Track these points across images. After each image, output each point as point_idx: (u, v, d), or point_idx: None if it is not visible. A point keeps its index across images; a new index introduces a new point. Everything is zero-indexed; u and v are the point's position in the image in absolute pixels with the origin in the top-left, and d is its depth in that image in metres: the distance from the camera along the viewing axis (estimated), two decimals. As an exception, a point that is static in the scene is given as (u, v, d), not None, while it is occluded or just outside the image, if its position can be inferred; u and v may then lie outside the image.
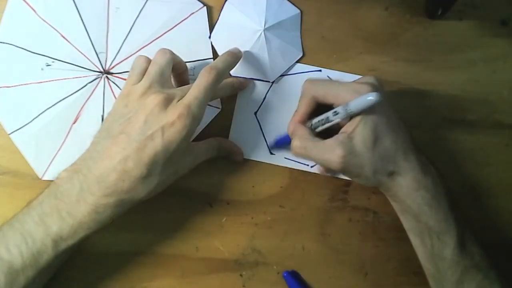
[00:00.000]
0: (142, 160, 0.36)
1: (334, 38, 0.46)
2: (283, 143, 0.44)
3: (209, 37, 0.45)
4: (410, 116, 0.46)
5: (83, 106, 0.45)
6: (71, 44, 0.45)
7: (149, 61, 0.40)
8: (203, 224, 0.45)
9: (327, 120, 0.39)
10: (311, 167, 0.45)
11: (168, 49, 0.40)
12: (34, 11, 0.45)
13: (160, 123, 0.36)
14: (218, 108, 0.45)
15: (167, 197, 0.45)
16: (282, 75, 0.46)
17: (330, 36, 0.46)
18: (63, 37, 0.45)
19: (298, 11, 0.46)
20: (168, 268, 0.44)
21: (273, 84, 0.45)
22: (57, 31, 0.45)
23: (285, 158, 0.45)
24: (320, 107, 0.41)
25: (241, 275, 0.45)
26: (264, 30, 0.44)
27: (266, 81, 0.46)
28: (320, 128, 0.40)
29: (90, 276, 0.44)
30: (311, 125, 0.41)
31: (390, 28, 0.46)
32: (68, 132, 0.45)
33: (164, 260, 0.44)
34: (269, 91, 0.45)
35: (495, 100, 0.46)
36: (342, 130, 0.39)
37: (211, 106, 0.45)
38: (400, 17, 0.46)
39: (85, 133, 0.44)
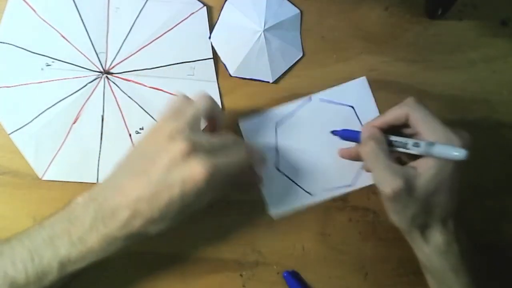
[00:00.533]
0: (156, 205, 0.36)
1: (334, 38, 0.46)
2: (349, 136, 0.42)
3: (209, 37, 0.45)
4: (410, 116, 0.46)
5: (83, 106, 0.45)
6: (71, 44, 0.45)
7: (186, 101, 0.39)
8: (203, 224, 0.45)
9: (404, 145, 0.38)
10: (351, 185, 0.45)
11: (209, 96, 0.40)
12: (34, 11, 0.45)
13: (182, 174, 0.36)
14: (218, 108, 0.45)
15: (167, 197, 0.45)
16: (281, 120, 0.45)
17: (330, 36, 0.46)
18: (63, 37, 0.45)
19: (298, 11, 0.46)
20: (168, 268, 0.44)
21: (278, 133, 0.45)
22: (57, 31, 0.45)
23: (288, 177, 0.45)
24: (395, 128, 0.40)
25: (241, 275, 0.45)
26: (264, 31, 0.44)
27: (266, 81, 0.46)
28: (391, 148, 0.39)
29: (90, 276, 0.44)
30: (388, 137, 0.39)
31: (390, 28, 0.46)
32: (68, 132, 0.45)
33: (164, 260, 0.44)
34: (278, 141, 0.45)
35: (495, 100, 0.46)
36: (412, 164, 0.38)
37: (211, 106, 0.45)
38: (400, 17, 0.46)
39: (85, 133, 0.45)
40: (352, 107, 0.45)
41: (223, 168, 0.37)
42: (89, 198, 0.37)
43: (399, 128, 0.39)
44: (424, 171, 0.37)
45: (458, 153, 0.35)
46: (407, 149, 0.38)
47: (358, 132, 0.41)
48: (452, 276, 0.38)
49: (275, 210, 0.44)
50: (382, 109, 0.45)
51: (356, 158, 0.42)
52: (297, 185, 0.45)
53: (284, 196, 0.45)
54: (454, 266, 0.38)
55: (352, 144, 0.43)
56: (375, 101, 0.45)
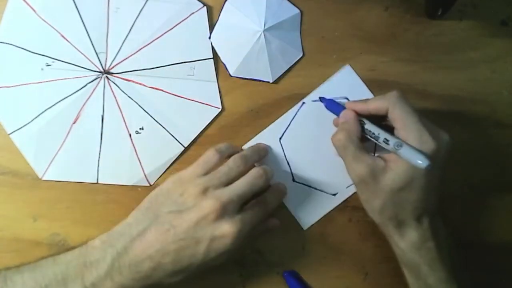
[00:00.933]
0: (180, 260, 0.36)
1: (334, 38, 0.46)
2: (332, 109, 0.43)
3: (209, 37, 0.45)
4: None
5: (83, 106, 0.45)
6: (71, 44, 0.45)
7: (220, 157, 0.40)
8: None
9: (376, 137, 0.39)
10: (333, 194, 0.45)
11: (243, 159, 0.40)
12: (34, 11, 0.45)
13: (210, 233, 0.36)
14: (218, 108, 0.45)
15: (167, 197, 0.45)
16: (283, 134, 0.45)
17: (330, 36, 0.46)
18: (63, 37, 0.45)
19: (298, 11, 0.46)
20: (168, 268, 0.44)
21: (284, 147, 0.45)
22: (57, 31, 0.45)
23: (306, 185, 0.45)
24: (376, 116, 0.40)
25: (241, 275, 0.45)
26: (264, 31, 0.44)
27: (266, 81, 0.46)
28: (364, 135, 0.40)
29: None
30: (363, 123, 0.40)
31: (390, 28, 0.46)
32: (68, 132, 0.45)
33: (164, 260, 0.44)
34: (286, 155, 0.45)
35: (495, 100, 0.46)
36: (385, 155, 0.38)
37: (211, 106, 0.45)
38: (400, 17, 0.46)
39: (85, 133, 0.45)
40: (347, 98, 0.45)
41: (250, 224, 0.38)
42: (108, 243, 0.37)
43: (380, 118, 0.40)
44: (394, 167, 0.37)
45: (421, 161, 0.35)
46: (377, 141, 0.38)
47: (341, 108, 0.41)
48: (427, 271, 0.38)
49: (308, 222, 0.45)
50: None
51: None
52: (319, 190, 0.45)
53: (310, 205, 0.45)
54: (429, 261, 0.38)
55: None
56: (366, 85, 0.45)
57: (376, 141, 0.39)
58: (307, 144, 0.45)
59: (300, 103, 0.45)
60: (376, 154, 0.43)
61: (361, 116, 0.40)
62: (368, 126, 0.39)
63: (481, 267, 0.45)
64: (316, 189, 0.45)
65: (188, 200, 0.38)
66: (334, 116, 0.44)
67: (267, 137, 0.45)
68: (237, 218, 0.37)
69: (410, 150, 0.36)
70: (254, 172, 0.40)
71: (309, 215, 0.45)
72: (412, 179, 0.37)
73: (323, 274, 0.45)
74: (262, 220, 0.40)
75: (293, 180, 0.45)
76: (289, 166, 0.45)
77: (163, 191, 0.39)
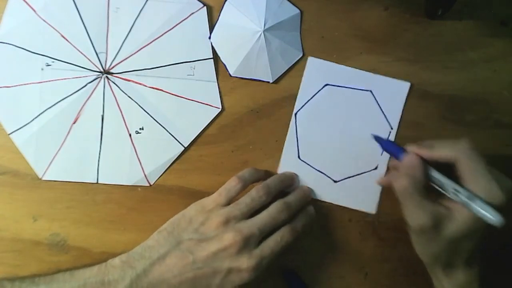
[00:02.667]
0: (195, 287, 0.37)
1: (334, 38, 0.46)
2: (391, 151, 0.42)
3: (209, 37, 0.45)
4: (410, 116, 0.46)
5: (83, 106, 0.45)
6: (71, 44, 0.45)
7: (243, 186, 0.41)
8: (203, 224, 0.45)
9: (444, 187, 0.37)
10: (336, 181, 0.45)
11: (266, 189, 0.40)
12: (34, 11, 0.45)
13: (228, 265, 0.37)
14: (218, 108, 0.45)
15: (168, 197, 0.45)
16: (298, 110, 0.45)
17: (330, 36, 0.46)
18: (63, 37, 0.45)
19: (298, 11, 0.46)
20: (168, 268, 0.44)
21: (297, 122, 0.45)
22: (57, 31, 0.45)
23: (348, 178, 0.45)
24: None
25: (241, 275, 0.45)
26: (264, 31, 0.44)
27: (266, 81, 0.46)
28: (431, 183, 0.38)
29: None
30: (428, 170, 0.38)
31: (390, 28, 0.46)
32: (68, 132, 0.45)
33: (164, 260, 0.44)
34: (297, 130, 0.45)
35: (495, 100, 0.46)
36: (449, 204, 0.37)
37: (211, 106, 0.45)
38: (400, 17, 0.46)
39: (85, 133, 0.45)
40: (371, 91, 0.45)
41: (270, 256, 0.38)
42: (128, 264, 0.37)
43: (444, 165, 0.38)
44: (459, 217, 0.36)
45: (494, 218, 0.34)
46: (443, 191, 0.37)
47: (401, 151, 0.40)
48: None
49: None
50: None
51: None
52: (321, 172, 0.45)
53: (310, 186, 0.45)
54: None
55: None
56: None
57: (441, 190, 0.37)
58: (324, 144, 0.45)
59: (293, 116, 0.45)
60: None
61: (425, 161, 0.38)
62: (435, 174, 0.38)
63: (481, 267, 0.45)
64: (319, 171, 0.45)
65: (209, 230, 0.38)
66: (357, 102, 0.44)
67: (287, 164, 0.45)
68: (257, 252, 0.37)
69: (483, 205, 0.35)
70: (276, 207, 0.40)
71: (369, 199, 0.45)
72: (475, 230, 0.36)
73: (323, 274, 0.45)
74: (286, 247, 0.39)
75: (334, 181, 0.45)
76: (323, 173, 0.45)
77: (186, 217, 0.40)
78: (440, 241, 0.37)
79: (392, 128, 0.45)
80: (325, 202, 0.45)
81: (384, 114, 0.45)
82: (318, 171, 0.45)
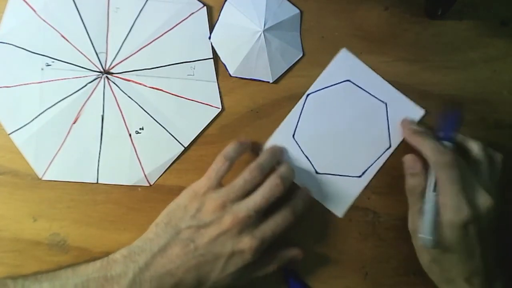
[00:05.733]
0: (200, 275, 0.37)
1: (334, 38, 0.46)
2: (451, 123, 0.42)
3: (209, 37, 0.45)
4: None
5: (83, 106, 0.45)
6: (71, 44, 0.45)
7: (230, 164, 0.41)
8: (203, 224, 0.45)
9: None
10: (359, 176, 0.45)
11: (259, 168, 0.40)
12: (34, 11, 0.45)
13: (230, 248, 0.37)
14: (218, 108, 0.45)
15: (167, 197, 0.45)
16: (314, 91, 0.45)
17: (330, 36, 0.46)
18: (63, 37, 0.45)
19: (298, 11, 0.46)
20: (168, 268, 0.44)
21: (306, 103, 0.45)
22: (57, 31, 0.45)
23: (332, 174, 0.45)
24: None
25: (241, 275, 0.45)
26: (264, 31, 0.44)
27: (266, 81, 0.46)
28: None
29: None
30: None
31: (390, 28, 0.46)
32: (68, 132, 0.45)
33: (164, 260, 0.44)
34: (303, 110, 0.45)
35: (495, 100, 0.46)
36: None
37: (211, 106, 0.45)
38: (400, 17, 0.46)
39: (85, 133, 0.45)
40: (386, 104, 0.45)
41: (270, 236, 0.38)
42: (130, 258, 0.37)
43: None
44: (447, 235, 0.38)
45: (425, 237, 0.37)
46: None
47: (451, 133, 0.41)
48: None
49: (342, 210, 0.45)
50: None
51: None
52: (344, 175, 0.45)
53: (339, 192, 0.45)
54: None
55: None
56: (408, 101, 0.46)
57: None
58: (321, 134, 0.45)
59: (305, 96, 0.45)
60: None
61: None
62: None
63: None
64: (340, 175, 0.45)
65: (207, 216, 0.38)
66: (368, 108, 0.45)
67: (279, 138, 0.45)
68: (258, 233, 0.38)
69: (428, 222, 0.38)
70: (270, 183, 0.40)
71: (341, 203, 0.45)
72: (450, 244, 0.37)
73: (323, 274, 0.45)
74: (286, 227, 0.40)
75: (316, 172, 0.45)
76: (309, 160, 0.45)
77: (180, 206, 0.40)
78: (425, 251, 0.38)
79: (390, 146, 0.45)
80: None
81: (389, 131, 0.45)
82: (306, 156, 0.45)
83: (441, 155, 0.38)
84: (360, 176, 0.45)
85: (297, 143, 0.45)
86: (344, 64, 0.45)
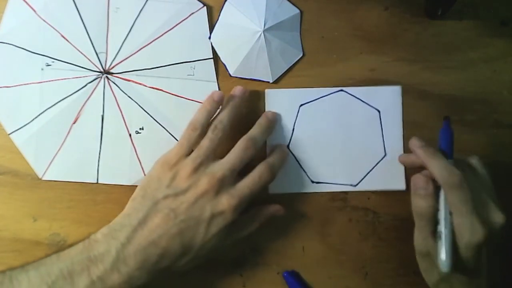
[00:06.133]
0: (184, 241, 0.37)
1: (334, 38, 0.46)
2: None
3: (209, 37, 0.45)
4: (410, 116, 0.46)
5: (83, 106, 0.45)
6: (71, 44, 0.45)
7: (201, 131, 0.40)
8: (203, 224, 0.45)
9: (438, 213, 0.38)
10: (355, 185, 0.45)
11: (221, 125, 0.40)
12: (34, 11, 0.45)
13: (210, 210, 0.37)
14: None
15: (167, 197, 0.45)
16: (306, 102, 0.45)
17: (330, 36, 0.46)
18: (63, 37, 0.45)
19: (298, 11, 0.46)
20: (168, 268, 0.44)
21: (299, 114, 0.45)
22: (57, 31, 0.45)
23: (328, 183, 0.45)
24: None
25: (241, 275, 0.45)
26: (264, 31, 0.44)
27: (266, 81, 0.46)
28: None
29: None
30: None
31: (390, 28, 0.46)
32: (68, 132, 0.45)
33: (164, 260, 0.44)
34: (296, 121, 0.45)
35: (495, 100, 0.46)
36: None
37: (211, 106, 0.45)
38: (400, 17, 0.46)
39: (85, 133, 0.45)
40: (379, 111, 0.45)
41: (249, 194, 0.38)
42: (110, 236, 0.37)
43: None
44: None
45: (443, 262, 0.36)
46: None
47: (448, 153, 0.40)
48: None
49: (274, 189, 0.45)
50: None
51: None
52: (303, 169, 0.45)
53: (287, 177, 0.45)
54: None
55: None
56: (401, 111, 0.45)
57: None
58: (316, 143, 0.45)
59: (338, 88, 0.45)
60: None
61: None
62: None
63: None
64: (301, 167, 0.45)
65: (182, 182, 0.38)
66: (330, 110, 0.45)
67: (291, 94, 0.45)
68: (235, 192, 0.38)
69: (444, 246, 0.36)
70: (242, 144, 0.40)
71: (281, 186, 0.45)
72: (465, 265, 0.37)
73: (323, 274, 0.45)
74: (264, 184, 0.40)
75: (312, 181, 0.45)
76: (304, 170, 0.45)
77: (153, 177, 0.39)
78: (437, 269, 0.37)
79: (385, 155, 0.45)
80: (323, 201, 0.45)
81: (383, 139, 0.45)
82: (300, 166, 0.45)
83: (450, 175, 0.36)
84: (355, 185, 0.45)
85: (292, 153, 0.45)
86: (388, 96, 0.45)
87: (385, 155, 0.45)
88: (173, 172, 0.39)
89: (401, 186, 0.45)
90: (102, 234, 0.37)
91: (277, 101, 0.45)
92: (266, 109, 0.45)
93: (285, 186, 0.45)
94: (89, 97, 0.45)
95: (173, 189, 0.38)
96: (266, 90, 0.45)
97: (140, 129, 0.45)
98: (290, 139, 0.45)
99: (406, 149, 0.45)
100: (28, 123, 0.44)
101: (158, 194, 0.38)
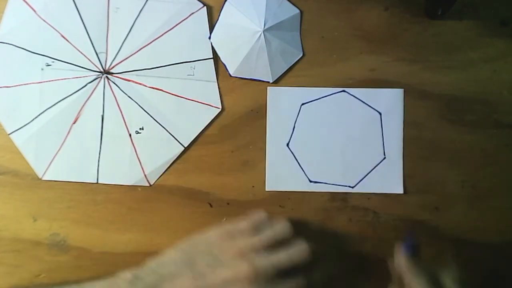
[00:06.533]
0: None
1: (334, 38, 0.46)
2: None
3: (209, 37, 0.45)
4: (410, 116, 0.46)
5: (83, 106, 0.45)
6: (71, 44, 0.45)
7: (267, 221, 0.40)
8: (203, 224, 0.45)
9: None
10: (353, 187, 0.45)
11: (288, 224, 0.39)
12: (34, 11, 0.45)
13: None
14: (218, 108, 0.45)
15: (167, 197, 0.45)
16: (308, 102, 0.45)
17: (330, 36, 0.46)
18: (63, 37, 0.45)
19: (298, 11, 0.46)
20: (168, 268, 0.44)
21: (300, 113, 0.45)
22: (57, 31, 0.45)
23: (326, 183, 0.45)
24: None
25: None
26: (264, 31, 0.44)
27: (266, 81, 0.46)
28: None
29: (90, 276, 0.44)
30: None
31: (390, 28, 0.46)
32: (68, 132, 0.45)
33: (164, 260, 0.44)
34: (297, 120, 0.45)
35: (495, 100, 0.46)
36: None
37: (211, 106, 0.45)
38: (400, 17, 0.46)
39: (85, 133, 0.45)
40: (380, 114, 0.45)
41: None
42: (139, 278, 0.37)
43: None
44: None
45: None
46: None
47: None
48: None
49: (271, 187, 0.45)
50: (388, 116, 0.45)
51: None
52: (301, 168, 0.45)
53: (285, 175, 0.45)
54: None
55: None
56: (403, 114, 0.46)
57: None
58: (315, 143, 0.45)
59: (341, 89, 0.45)
60: None
61: None
62: None
63: (482, 267, 0.45)
64: (300, 166, 0.45)
65: (226, 257, 0.37)
66: (331, 110, 0.45)
67: (293, 93, 0.45)
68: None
69: None
70: (300, 246, 0.38)
71: (278, 184, 0.45)
72: None
73: (323, 274, 0.45)
74: None
75: (310, 181, 0.45)
76: (302, 169, 0.45)
77: (206, 240, 0.39)
78: None
79: (385, 158, 0.45)
80: (323, 201, 0.45)
81: (383, 142, 0.45)
82: (299, 165, 0.45)
83: (401, 261, 0.38)
84: (353, 187, 0.45)
85: (291, 152, 0.45)
86: (390, 98, 0.45)
87: (384, 157, 0.45)
88: (224, 245, 0.38)
89: (399, 189, 0.45)
90: (132, 274, 0.37)
91: (279, 99, 0.45)
92: (268, 107, 0.45)
93: (282, 184, 0.45)
94: (89, 97, 0.45)
95: (214, 259, 0.37)
96: (268, 88, 0.45)
97: (140, 129, 0.45)
98: (290, 138, 0.45)
99: (406, 153, 0.45)
100: (28, 123, 0.44)
101: (199, 258, 0.38)
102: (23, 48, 0.45)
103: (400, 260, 0.39)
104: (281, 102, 0.45)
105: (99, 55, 0.45)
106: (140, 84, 0.45)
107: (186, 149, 0.45)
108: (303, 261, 0.38)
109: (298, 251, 0.38)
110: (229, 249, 0.38)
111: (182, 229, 0.45)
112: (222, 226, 0.40)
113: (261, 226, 0.39)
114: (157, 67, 0.45)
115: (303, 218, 0.45)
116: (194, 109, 0.45)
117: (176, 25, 0.45)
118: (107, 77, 0.45)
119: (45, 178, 0.44)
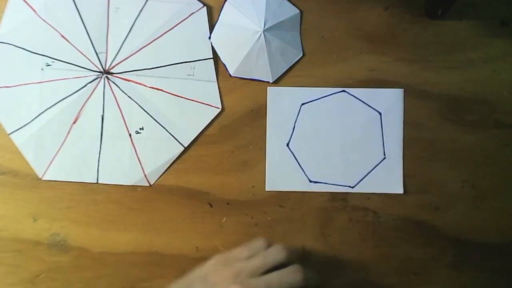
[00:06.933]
0: None
1: (334, 38, 0.46)
2: None
3: (209, 37, 0.45)
4: (410, 116, 0.46)
5: (83, 106, 0.45)
6: (71, 44, 0.45)
7: (265, 247, 0.39)
8: (203, 224, 0.45)
9: None
10: (353, 187, 0.45)
11: (287, 250, 0.39)
12: (34, 11, 0.45)
13: None
14: (218, 108, 0.45)
15: (167, 197, 0.45)
16: (308, 102, 0.45)
17: (330, 36, 0.46)
18: (63, 37, 0.45)
19: (298, 11, 0.46)
20: (168, 268, 0.44)
21: (300, 113, 0.45)
22: (57, 31, 0.45)
23: (326, 183, 0.45)
24: None
25: (241, 275, 0.45)
26: (264, 31, 0.44)
27: (266, 81, 0.46)
28: None
29: (90, 276, 0.44)
30: None
31: (390, 28, 0.46)
32: (68, 132, 0.45)
33: (164, 260, 0.44)
34: (297, 120, 0.45)
35: (495, 100, 0.46)
36: None
37: (211, 106, 0.45)
38: (400, 17, 0.46)
39: (85, 133, 0.45)
40: (380, 114, 0.45)
41: None
42: None
43: None
44: None
45: None
46: None
47: None
48: None
49: (271, 187, 0.45)
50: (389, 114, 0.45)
51: None
52: (301, 168, 0.45)
53: (284, 175, 0.45)
54: None
55: None
56: (403, 114, 0.46)
57: None
58: (315, 143, 0.45)
59: (341, 89, 0.45)
60: None
61: None
62: None
63: (481, 267, 0.45)
64: (300, 166, 0.45)
65: (219, 280, 0.37)
66: (331, 110, 0.45)
67: (293, 93, 0.45)
68: None
69: None
70: (293, 268, 0.38)
71: (278, 184, 0.45)
72: None
73: (323, 274, 0.45)
74: None
75: (310, 181, 0.45)
76: (302, 169, 0.45)
77: (202, 269, 0.39)
78: None
79: (385, 158, 0.45)
80: (323, 201, 0.45)
81: (383, 142, 0.45)
82: (299, 164, 0.45)
83: None
84: (353, 187, 0.45)
85: (291, 152, 0.45)
86: (390, 98, 0.45)
87: (384, 157, 0.45)
88: (219, 268, 0.38)
89: (399, 189, 0.45)
90: None
91: (279, 99, 0.45)
92: (268, 107, 0.45)
93: (282, 184, 0.45)
94: (89, 97, 0.45)
95: (206, 282, 0.37)
96: (268, 88, 0.45)
97: (140, 129, 0.45)
98: (290, 138, 0.45)
99: (406, 153, 0.45)
100: (28, 123, 0.44)
101: (196, 285, 0.38)
102: (23, 48, 0.45)
103: None
104: (281, 102, 0.45)
105: (99, 55, 0.45)
106: (140, 84, 0.45)
107: (186, 149, 0.45)
108: (297, 285, 0.38)
109: (291, 273, 0.38)
110: (223, 273, 0.38)
111: (182, 229, 0.45)
112: (220, 254, 0.40)
113: (257, 252, 0.39)
114: (157, 67, 0.45)
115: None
116: (194, 109, 0.45)
117: (176, 25, 0.45)
118: (107, 77, 0.45)
119: (45, 178, 0.44)
